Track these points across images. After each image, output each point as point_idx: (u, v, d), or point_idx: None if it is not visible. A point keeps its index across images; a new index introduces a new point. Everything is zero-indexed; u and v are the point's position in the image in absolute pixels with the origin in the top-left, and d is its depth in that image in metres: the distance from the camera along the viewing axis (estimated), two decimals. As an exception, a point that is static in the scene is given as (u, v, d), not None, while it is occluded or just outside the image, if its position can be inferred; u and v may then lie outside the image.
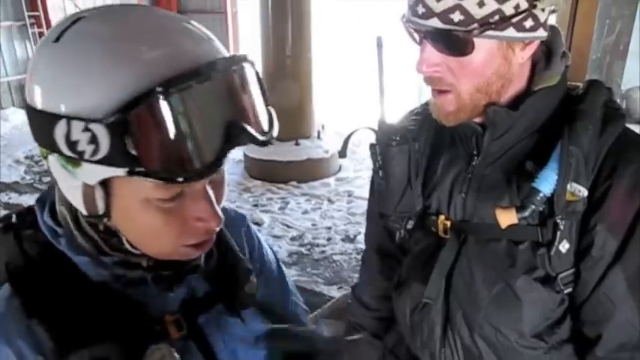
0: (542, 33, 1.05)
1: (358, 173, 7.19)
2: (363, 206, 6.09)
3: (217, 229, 0.80)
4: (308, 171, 6.90)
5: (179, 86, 0.63)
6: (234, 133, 0.68)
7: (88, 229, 0.80)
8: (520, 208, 1.09)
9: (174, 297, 0.86)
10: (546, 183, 1.06)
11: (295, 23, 6.76)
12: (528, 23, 1.01)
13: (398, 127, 1.27)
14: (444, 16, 1.00)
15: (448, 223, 1.24)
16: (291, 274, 4.67)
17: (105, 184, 0.70)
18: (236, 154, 7.77)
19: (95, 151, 0.64)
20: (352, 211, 6.09)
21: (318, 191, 6.65)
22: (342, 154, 1.44)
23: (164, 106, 0.63)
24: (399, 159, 1.24)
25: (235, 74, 0.70)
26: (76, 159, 0.66)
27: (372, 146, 1.27)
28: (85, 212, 0.74)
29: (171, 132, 0.63)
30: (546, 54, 1.13)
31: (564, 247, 1.10)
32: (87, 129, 0.63)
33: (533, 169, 1.09)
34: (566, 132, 1.06)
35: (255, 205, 6.27)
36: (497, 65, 1.06)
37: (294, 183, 6.80)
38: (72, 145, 0.65)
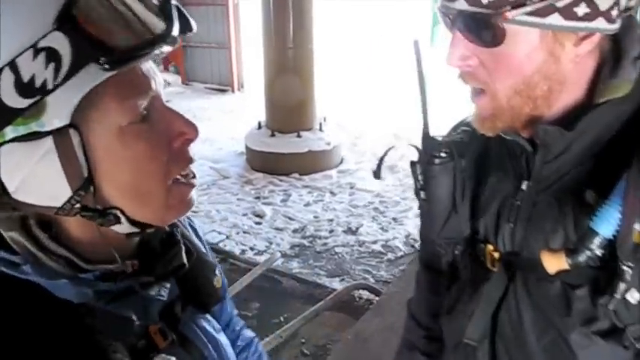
0: (603, 24, 0.82)
1: (360, 165, 7.19)
2: (364, 198, 6.12)
3: (195, 138, 0.77)
4: (310, 163, 6.90)
5: None
6: (169, 6, 0.69)
7: (54, 246, 0.73)
8: (572, 252, 0.88)
9: (156, 304, 0.81)
10: (607, 224, 0.84)
11: (296, 15, 6.74)
12: (581, 10, 0.80)
13: (442, 142, 1.08)
14: None
15: (496, 254, 1.07)
16: (293, 267, 4.71)
17: (75, 127, 0.65)
18: (237, 146, 7.78)
19: (58, 67, 0.61)
20: (354, 203, 6.08)
21: (319, 183, 6.65)
22: (377, 174, 1.22)
23: None
24: (442, 179, 1.07)
25: None
26: (37, 103, 0.62)
27: (412, 164, 1.10)
28: (68, 189, 0.67)
29: (123, 4, 0.65)
30: (615, 53, 0.90)
31: (634, 297, 0.87)
32: (38, 51, 0.60)
33: (594, 201, 0.88)
34: (636, 160, 0.83)
35: (257, 198, 6.27)
36: (539, 62, 0.86)
37: (295, 175, 6.79)
38: (27, 87, 0.61)
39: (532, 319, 1.01)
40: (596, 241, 0.85)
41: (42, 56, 0.61)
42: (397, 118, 8.66)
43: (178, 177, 0.77)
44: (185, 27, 0.72)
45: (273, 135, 7.05)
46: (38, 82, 0.61)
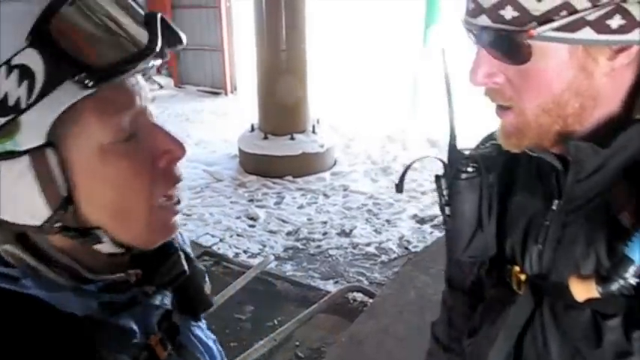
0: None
1: (353, 167, 7.19)
2: (358, 200, 6.12)
3: (182, 157, 0.74)
4: (303, 165, 6.89)
5: None
6: (154, 20, 0.68)
7: (57, 255, 0.70)
8: (604, 280, 0.81)
9: (155, 314, 0.80)
10: None
11: (289, 17, 6.73)
12: (615, 22, 0.74)
13: (469, 155, 1.03)
14: (493, 12, 0.79)
15: (522, 276, 1.00)
16: (286, 269, 4.70)
17: (53, 145, 0.62)
18: (231, 149, 7.77)
19: (32, 85, 0.59)
20: (348, 205, 6.08)
21: (313, 186, 6.64)
22: (399, 188, 1.16)
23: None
24: (467, 195, 1.01)
25: None
26: (11, 122, 0.59)
27: (437, 179, 1.05)
28: (47, 209, 0.65)
29: (104, 19, 0.64)
30: None
31: None
32: (11, 68, 0.59)
33: (630, 224, 0.80)
34: None
35: (251, 200, 6.26)
36: (570, 78, 0.80)
37: (289, 177, 6.78)
38: (0, 106, 0.59)
39: (559, 348, 0.94)
40: (631, 270, 0.78)
41: (15, 74, 0.59)
42: (390, 120, 8.68)
43: (163, 199, 0.74)
44: (174, 40, 0.70)
45: (266, 137, 7.04)
46: (11, 101, 0.59)
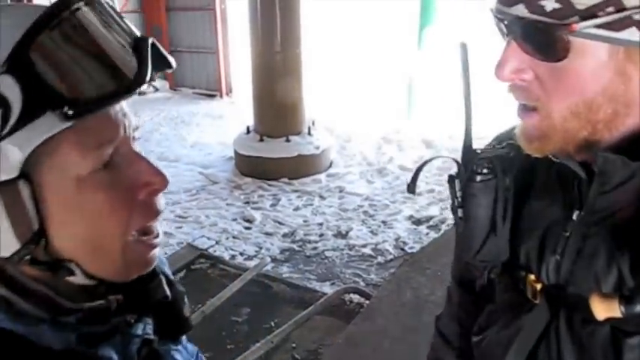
0: None
1: (349, 169, 7.19)
2: (354, 202, 6.13)
3: (164, 189, 0.69)
4: (299, 167, 6.89)
5: (74, 6, 0.59)
6: (143, 45, 0.63)
7: (33, 284, 0.65)
8: (627, 300, 0.77)
9: (136, 342, 0.75)
10: None
11: (284, 19, 6.74)
12: None
13: (485, 157, 0.97)
14: (532, 2, 0.72)
15: (538, 286, 0.95)
16: (283, 271, 4.70)
17: (26, 177, 0.58)
18: (226, 151, 7.76)
19: (6, 116, 0.54)
20: (344, 207, 6.08)
21: (309, 187, 6.64)
22: (412, 189, 1.10)
23: (75, 21, 0.59)
24: (482, 198, 0.97)
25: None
26: None
27: (450, 179, 1.00)
28: (16, 241, 0.60)
29: (88, 47, 0.59)
30: None
31: None
32: None
33: None
34: None
35: (247, 203, 6.25)
36: (605, 81, 0.74)
37: (285, 179, 6.78)
38: None
39: None
40: None
41: None
42: (386, 122, 8.69)
43: (140, 234, 0.69)
44: (163, 65, 0.67)
45: (261, 140, 7.03)
46: None
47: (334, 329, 3.82)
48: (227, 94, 11.98)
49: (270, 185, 6.70)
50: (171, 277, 0.87)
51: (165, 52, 0.67)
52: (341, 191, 6.51)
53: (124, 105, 0.67)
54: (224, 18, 11.70)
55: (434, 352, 1.39)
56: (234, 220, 5.79)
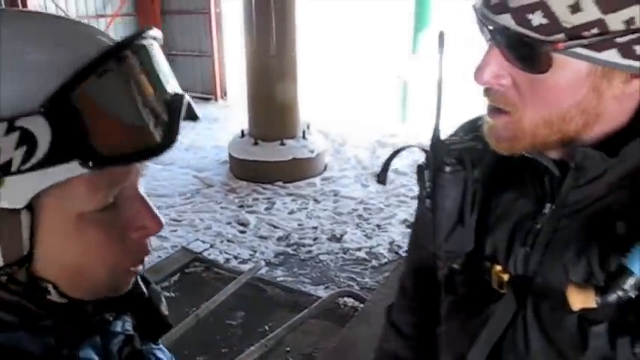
0: None
1: (344, 172, 7.20)
2: (348, 205, 6.13)
3: (157, 233, 0.69)
4: (294, 171, 6.89)
5: (121, 54, 0.57)
6: (177, 105, 0.62)
7: (4, 294, 0.62)
8: (602, 290, 0.79)
9: (117, 341, 0.75)
10: None
11: (279, 23, 6.74)
12: None
13: (454, 148, 0.99)
14: (520, 14, 0.74)
15: (505, 276, 0.97)
16: (277, 275, 4.70)
17: (29, 207, 0.57)
18: (221, 155, 7.76)
19: (30, 153, 0.53)
20: (338, 210, 6.08)
21: (303, 191, 6.64)
22: (382, 179, 1.13)
23: (117, 73, 0.57)
24: (451, 189, 0.98)
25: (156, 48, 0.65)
26: None
27: (419, 169, 1.01)
28: (1, 261, 0.58)
29: (127, 102, 0.57)
30: None
31: None
32: (12, 128, 0.52)
33: (626, 234, 0.79)
34: None
35: (241, 206, 6.25)
36: (580, 96, 0.78)
37: (279, 183, 6.78)
38: None
39: (540, 350, 0.92)
40: (630, 281, 0.76)
41: (15, 135, 0.53)
42: (380, 125, 8.70)
43: (127, 267, 0.69)
44: (189, 117, 0.66)
45: (256, 143, 7.03)
46: (1, 160, 0.53)
47: (328, 333, 3.82)
48: (222, 97, 11.99)
49: (264, 189, 6.70)
50: (147, 277, 0.85)
51: (194, 106, 0.66)
52: (335, 195, 6.52)
53: None
54: (219, 22, 11.70)
55: (385, 343, 1.39)
56: (229, 223, 5.79)
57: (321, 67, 10.61)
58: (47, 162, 0.53)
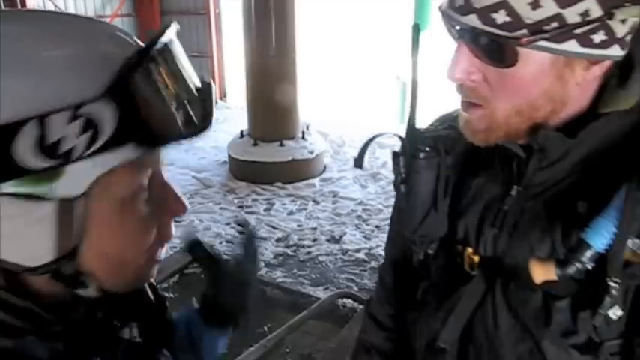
0: (616, 51, 0.80)
1: (343, 174, 7.19)
2: (348, 207, 6.12)
3: (183, 215, 0.75)
4: (293, 172, 6.89)
5: (165, 45, 0.63)
6: (209, 91, 0.68)
7: (18, 300, 0.64)
8: (562, 263, 0.84)
9: (123, 348, 0.77)
10: (599, 236, 0.81)
11: (278, 23, 6.75)
12: (599, 37, 0.78)
13: (429, 136, 1.04)
14: (484, 13, 0.79)
15: (476, 258, 1.03)
16: (276, 276, 4.69)
17: (85, 194, 0.60)
18: (220, 155, 7.75)
19: (94, 139, 0.55)
20: (337, 211, 6.08)
21: (303, 192, 6.64)
22: (358, 163, 1.17)
23: (168, 55, 0.63)
24: (425, 174, 1.03)
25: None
26: (54, 168, 0.55)
27: (395, 156, 1.06)
28: (51, 254, 0.60)
29: (170, 88, 0.62)
30: (623, 68, 0.87)
31: (615, 313, 0.86)
32: (76, 117, 0.54)
33: (585, 212, 0.85)
34: (636, 172, 0.81)
35: (240, 207, 6.25)
36: (547, 85, 0.84)
37: (278, 184, 6.78)
38: (49, 149, 0.54)
39: (508, 327, 0.98)
40: (588, 254, 0.82)
41: (79, 122, 0.55)
42: (380, 126, 8.71)
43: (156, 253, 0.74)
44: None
45: (255, 144, 7.03)
46: (64, 148, 0.55)
47: (328, 334, 3.82)
48: (221, 98, 11.99)
49: (263, 190, 6.70)
50: (154, 282, 0.88)
51: (215, 96, 0.71)
52: (335, 196, 6.52)
53: None
54: (218, 22, 11.70)
55: (364, 335, 1.43)
56: (228, 224, 5.78)
57: (321, 68, 10.61)
58: (109, 146, 0.57)
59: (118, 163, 0.59)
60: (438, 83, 0.97)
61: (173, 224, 0.74)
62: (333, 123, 8.84)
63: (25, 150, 0.53)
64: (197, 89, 0.67)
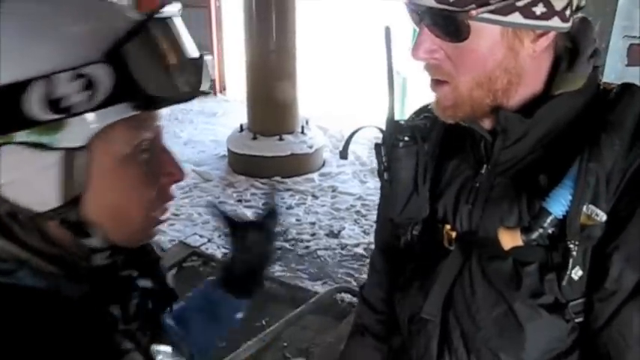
0: (557, 23, 0.90)
1: (342, 169, 7.19)
2: (347, 201, 6.13)
3: (182, 180, 0.83)
4: (292, 166, 6.88)
5: (164, 14, 0.72)
6: (201, 62, 0.76)
7: (46, 247, 0.72)
8: (526, 230, 0.95)
9: (134, 303, 0.83)
10: (558, 204, 0.92)
11: (279, 18, 6.72)
12: (539, 9, 0.87)
13: (406, 126, 1.14)
14: None
15: (453, 234, 1.13)
16: (275, 270, 4.69)
17: (85, 148, 0.68)
18: (220, 149, 7.75)
19: (92, 96, 0.64)
20: (336, 206, 6.08)
21: (301, 186, 6.63)
22: (344, 154, 1.30)
23: (164, 28, 0.71)
24: (405, 161, 1.12)
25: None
26: (57, 121, 0.63)
27: (376, 146, 1.17)
28: (57, 201, 0.68)
29: (169, 53, 0.71)
30: (571, 52, 0.99)
31: (577, 274, 0.96)
32: (78, 76, 0.63)
33: (546, 184, 0.96)
34: (588, 146, 0.91)
35: (239, 201, 6.24)
36: (500, 56, 0.93)
37: (277, 178, 6.77)
38: (54, 104, 0.63)
39: (484, 294, 1.08)
40: (548, 220, 0.93)
41: (80, 81, 0.64)
42: (379, 121, 8.68)
43: (157, 211, 0.82)
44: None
45: (255, 138, 7.02)
46: (67, 103, 0.63)
47: (326, 328, 3.83)
48: (221, 91, 11.96)
49: (262, 184, 6.69)
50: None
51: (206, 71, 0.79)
52: (334, 191, 6.51)
53: None
54: (218, 15, 11.67)
55: (359, 319, 1.54)
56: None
57: (321, 63, 10.58)
58: (105, 104, 0.65)
59: (115, 120, 0.67)
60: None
61: (173, 186, 0.83)
62: (333, 118, 8.84)
63: (33, 104, 0.62)
64: (192, 60, 0.74)
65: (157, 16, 0.71)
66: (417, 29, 0.97)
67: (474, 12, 0.86)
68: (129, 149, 0.72)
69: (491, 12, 0.87)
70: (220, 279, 1.29)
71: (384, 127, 1.16)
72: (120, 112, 0.67)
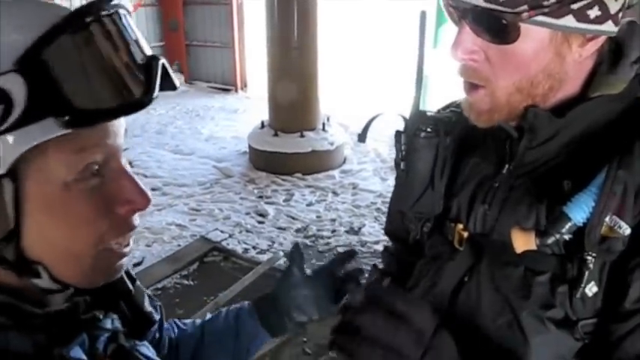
0: (610, 27, 0.83)
1: (362, 166, 7.19)
2: (367, 199, 6.12)
3: (145, 209, 0.69)
4: (313, 163, 6.90)
5: (94, 15, 0.59)
6: (152, 65, 0.64)
7: None
8: (542, 234, 0.88)
9: (102, 340, 0.75)
10: (579, 210, 0.85)
11: (301, 15, 6.73)
12: (594, 12, 0.81)
13: (431, 117, 1.09)
14: None
15: (465, 234, 1.06)
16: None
17: (12, 176, 0.57)
18: (241, 145, 7.79)
19: (7, 113, 0.54)
20: (357, 203, 6.08)
21: (322, 183, 6.65)
22: (362, 138, 1.24)
23: (101, 26, 0.59)
24: (424, 153, 1.07)
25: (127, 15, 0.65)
26: None
27: (397, 134, 1.11)
28: None
29: (102, 58, 0.59)
30: (615, 54, 0.92)
31: (591, 290, 0.88)
32: None
33: (570, 190, 0.88)
34: (619, 154, 0.84)
35: (260, 197, 6.28)
36: (546, 61, 0.86)
37: (298, 175, 6.80)
38: None
39: (490, 300, 1.00)
40: (567, 226, 0.86)
41: None
42: (400, 119, 8.65)
43: (113, 243, 0.69)
44: (167, 86, 0.67)
45: (276, 134, 7.05)
46: None
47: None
48: (242, 88, 12.02)
49: (283, 180, 6.72)
50: (132, 272, 0.86)
51: (172, 74, 0.67)
52: (354, 188, 6.52)
53: (121, 119, 0.67)
54: (240, 12, 11.72)
55: (385, 267, 1.45)
56: (248, 214, 5.82)
57: (343, 60, 10.57)
58: (24, 120, 0.54)
59: (42, 141, 0.56)
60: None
61: (135, 216, 0.70)
62: (354, 115, 8.82)
63: None
64: (141, 64, 0.63)
65: (89, 11, 0.59)
66: (457, 27, 0.90)
67: (526, 14, 0.80)
68: (70, 176, 0.61)
69: (544, 14, 0.80)
70: (256, 306, 1.18)
71: (407, 116, 1.11)
72: (46, 131, 0.56)
